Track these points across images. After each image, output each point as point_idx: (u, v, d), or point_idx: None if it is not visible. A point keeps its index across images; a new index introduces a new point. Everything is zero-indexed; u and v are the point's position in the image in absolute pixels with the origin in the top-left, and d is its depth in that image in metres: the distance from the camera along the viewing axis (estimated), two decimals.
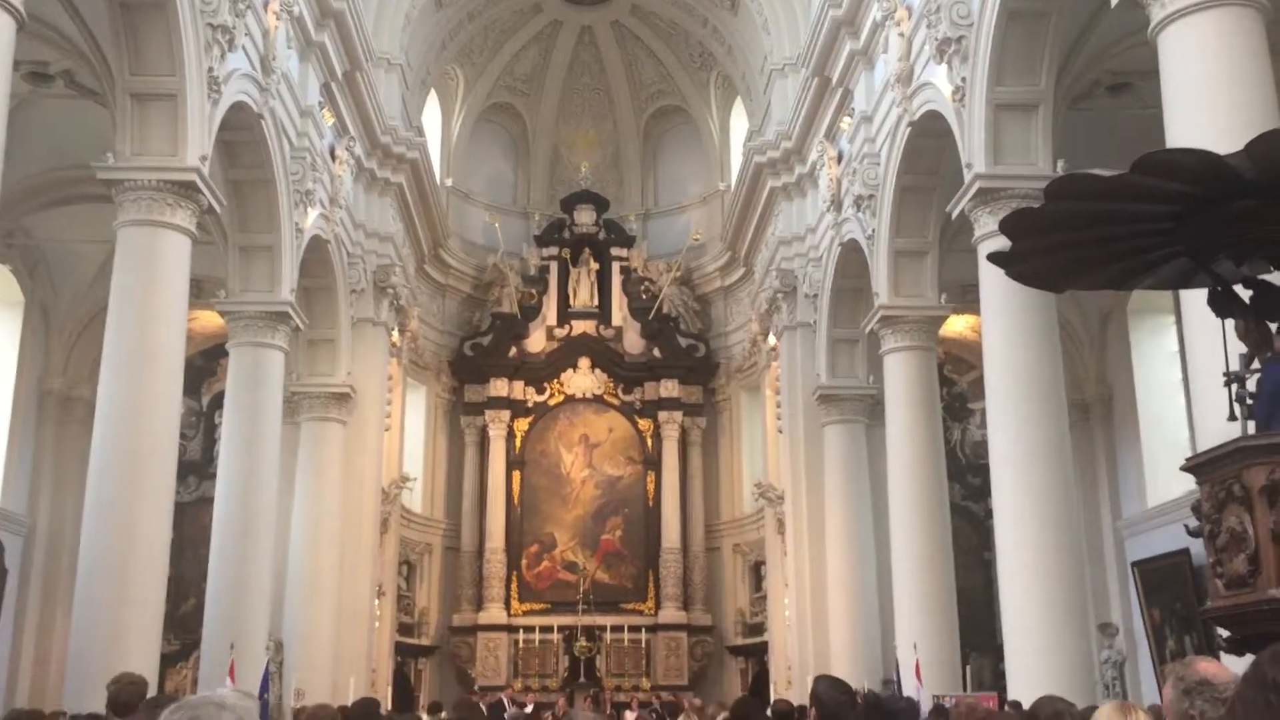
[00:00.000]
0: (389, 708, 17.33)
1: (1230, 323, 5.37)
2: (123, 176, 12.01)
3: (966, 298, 15.77)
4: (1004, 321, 12.15)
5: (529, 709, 19.15)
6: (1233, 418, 5.27)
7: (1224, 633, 5.10)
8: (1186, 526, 5.43)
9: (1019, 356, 12.04)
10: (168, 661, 17.43)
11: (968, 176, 12.52)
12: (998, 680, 15.65)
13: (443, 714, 12.82)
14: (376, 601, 19.71)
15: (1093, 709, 4.85)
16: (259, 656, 14.71)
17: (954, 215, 13.22)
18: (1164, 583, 16.27)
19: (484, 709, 11.46)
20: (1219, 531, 4.90)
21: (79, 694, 10.06)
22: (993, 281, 11.64)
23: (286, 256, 15.70)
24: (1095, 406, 19.52)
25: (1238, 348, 5.35)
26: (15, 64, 9.53)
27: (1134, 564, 17.30)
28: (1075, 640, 11.47)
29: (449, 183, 26.10)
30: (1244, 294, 5.31)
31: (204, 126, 12.48)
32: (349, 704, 11.48)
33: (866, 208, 16.29)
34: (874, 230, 16.14)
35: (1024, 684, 10.52)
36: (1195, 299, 6.96)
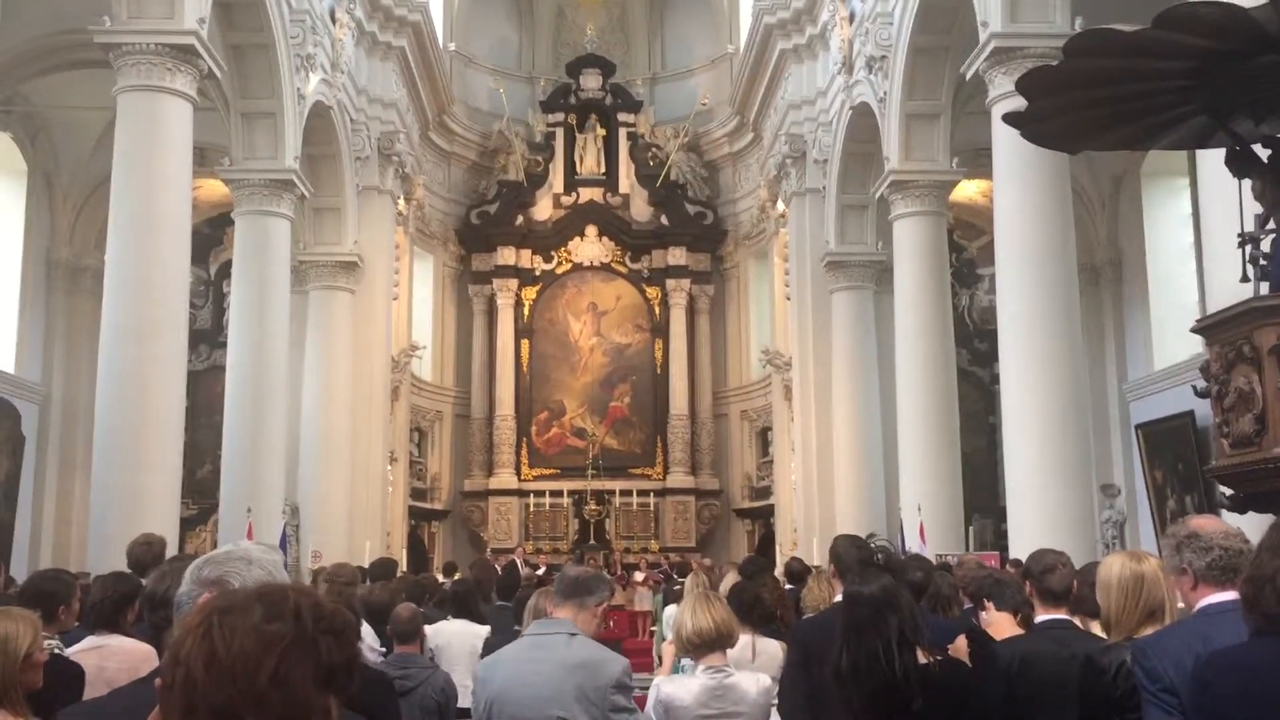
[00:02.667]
0: (404, 568, 17.76)
1: (1247, 183, 5.32)
2: (120, 40, 11.81)
3: (978, 162, 15.59)
4: (1016, 185, 12.03)
5: (541, 570, 19.57)
6: (1245, 279, 5.25)
7: (1227, 491, 5.18)
8: (1194, 387, 5.48)
9: (1030, 221, 11.94)
10: (187, 525, 17.81)
11: (983, 35, 12.25)
12: (999, 541, 15.98)
13: (456, 574, 13.19)
14: (389, 467, 20.02)
15: (1091, 565, 4.95)
16: (275, 520, 15.05)
17: (968, 76, 12.97)
18: (1167, 444, 16.44)
19: (498, 569, 11.73)
20: (1226, 392, 4.94)
21: (101, 557, 10.29)
22: (1006, 144, 11.48)
23: (289, 123, 15.51)
24: (1105, 270, 19.44)
25: (1253, 209, 5.31)
26: None
27: (1138, 426, 17.46)
28: (1077, 501, 11.63)
29: (452, 47, 25.50)
30: (1262, 154, 5.24)
31: None
32: (366, 565, 11.77)
33: (878, 69, 15.97)
34: (885, 93, 15.85)
35: (1025, 544, 10.67)
36: (1212, 159, 6.87)
